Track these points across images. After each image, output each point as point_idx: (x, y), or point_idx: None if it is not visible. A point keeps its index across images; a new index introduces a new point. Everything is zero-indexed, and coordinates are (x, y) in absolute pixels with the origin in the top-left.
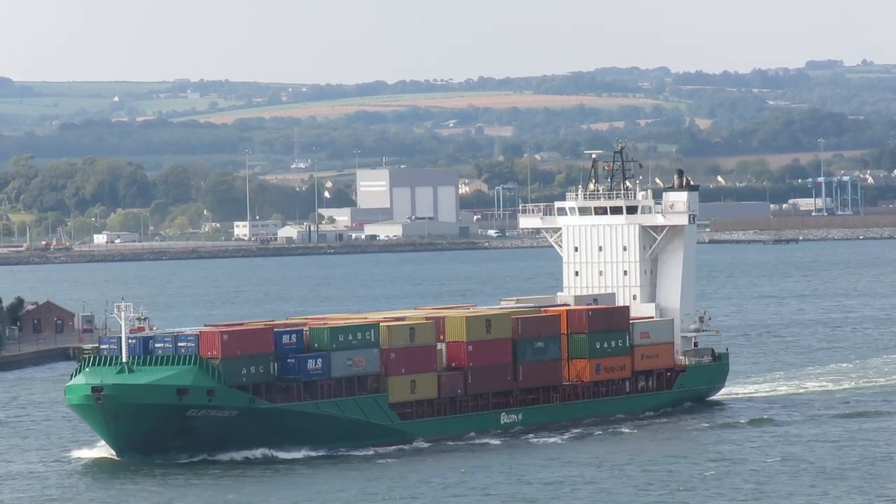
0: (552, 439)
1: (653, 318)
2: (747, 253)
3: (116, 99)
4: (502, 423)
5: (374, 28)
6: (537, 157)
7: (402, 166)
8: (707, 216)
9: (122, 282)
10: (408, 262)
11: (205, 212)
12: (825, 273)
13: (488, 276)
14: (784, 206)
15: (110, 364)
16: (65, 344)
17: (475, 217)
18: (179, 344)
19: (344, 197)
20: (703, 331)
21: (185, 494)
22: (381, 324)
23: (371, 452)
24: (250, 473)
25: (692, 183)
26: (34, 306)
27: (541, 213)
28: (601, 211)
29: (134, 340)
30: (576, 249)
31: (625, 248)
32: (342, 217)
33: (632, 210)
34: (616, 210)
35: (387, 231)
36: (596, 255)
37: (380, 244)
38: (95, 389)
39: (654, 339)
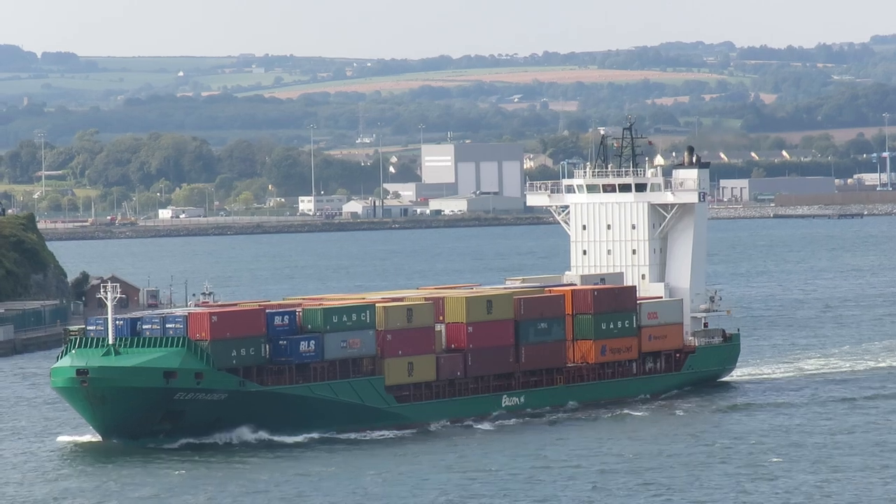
0: (554, 420)
1: (661, 298)
2: (814, 227)
3: (181, 74)
4: (504, 405)
5: (439, 3)
6: (601, 131)
7: (467, 141)
8: (771, 191)
9: (186, 257)
10: (473, 237)
11: (269, 187)
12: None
13: (552, 251)
14: (849, 180)
15: (97, 346)
16: None
17: None
18: (167, 325)
19: (409, 172)
20: (713, 311)
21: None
22: (376, 304)
23: (391, 435)
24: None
25: (703, 160)
26: (99, 281)
27: (548, 191)
28: (610, 188)
29: (121, 322)
30: (584, 228)
31: (633, 227)
32: (407, 192)
33: (641, 188)
34: (625, 188)
35: (451, 206)
36: (604, 233)
37: (444, 219)
38: (80, 372)
39: (662, 320)
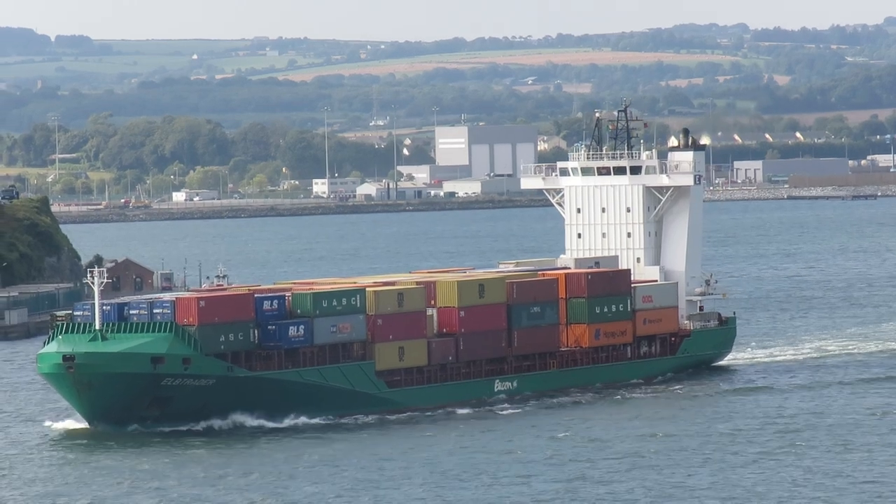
0: (545, 407)
1: (656, 281)
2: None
3: (195, 57)
4: (496, 390)
5: None
6: (597, 114)
7: (481, 123)
8: (785, 172)
9: (200, 239)
10: (488, 220)
11: (283, 169)
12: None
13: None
14: (862, 162)
15: (83, 331)
16: None
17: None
18: (155, 311)
19: (422, 154)
20: (709, 294)
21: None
22: (367, 289)
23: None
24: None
25: (700, 142)
26: (113, 264)
27: (543, 174)
28: (604, 171)
29: (108, 307)
30: (578, 211)
31: (628, 210)
32: (421, 174)
33: (636, 170)
34: (619, 170)
35: (465, 188)
36: (599, 216)
37: (458, 201)
38: (67, 358)
39: (657, 304)
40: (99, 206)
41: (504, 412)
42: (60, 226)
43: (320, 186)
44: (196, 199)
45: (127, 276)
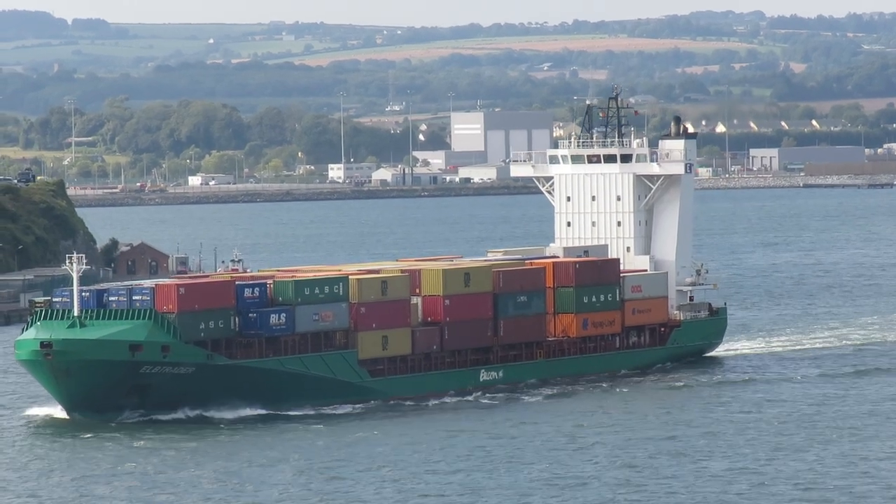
0: (530, 398)
1: (646, 270)
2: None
3: (212, 41)
4: (481, 380)
5: None
6: (632, 100)
7: (497, 109)
8: (801, 160)
9: (216, 223)
10: (503, 206)
11: (299, 154)
12: None
13: None
14: (879, 150)
15: (62, 318)
16: None
17: None
18: (134, 297)
19: (438, 140)
20: (700, 284)
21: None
22: (350, 277)
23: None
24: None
25: (690, 131)
26: (129, 248)
27: (532, 161)
28: (594, 159)
29: (87, 293)
30: (568, 199)
31: (618, 198)
32: (436, 160)
33: (626, 158)
34: (610, 158)
35: (481, 174)
36: (589, 205)
37: (474, 187)
38: (45, 345)
39: (646, 293)
40: (115, 190)
41: (530, 398)
42: (76, 209)
43: (336, 171)
44: (212, 183)
45: (142, 259)
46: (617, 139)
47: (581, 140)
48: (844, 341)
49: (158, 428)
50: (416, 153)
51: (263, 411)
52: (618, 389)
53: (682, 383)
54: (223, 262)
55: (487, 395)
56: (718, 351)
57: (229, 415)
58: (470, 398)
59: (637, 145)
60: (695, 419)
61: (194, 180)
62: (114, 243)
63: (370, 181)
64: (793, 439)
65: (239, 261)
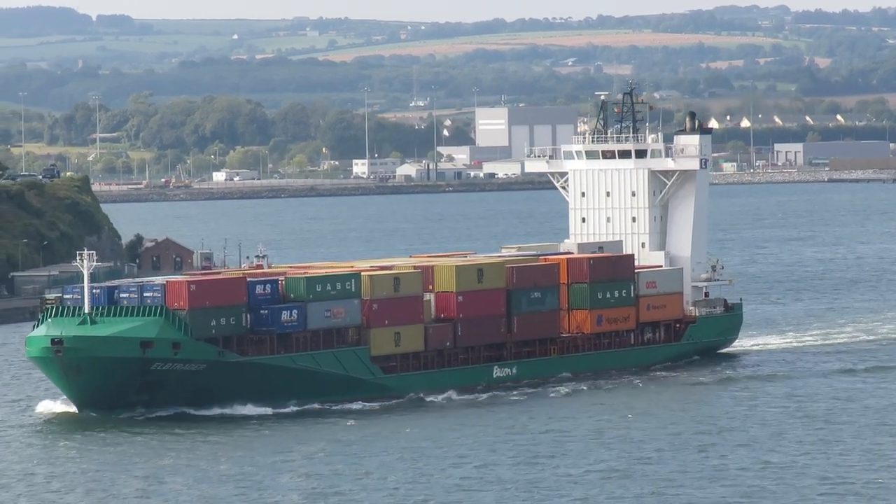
0: (550, 394)
1: (661, 266)
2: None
3: (236, 37)
4: (495, 376)
5: None
6: (656, 95)
7: (521, 105)
8: (826, 155)
9: (240, 219)
10: (527, 201)
11: (323, 150)
12: None
13: None
14: None
15: (73, 315)
16: None
17: None
18: (145, 294)
19: (462, 135)
20: (715, 280)
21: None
22: (362, 273)
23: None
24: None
25: (706, 126)
26: (153, 243)
27: (547, 157)
28: (609, 155)
29: (98, 290)
30: (583, 195)
31: (633, 194)
32: (461, 155)
33: (641, 154)
34: (624, 154)
35: (505, 169)
36: (603, 200)
37: (498, 182)
38: (55, 342)
39: (661, 289)
40: (139, 186)
41: (557, 391)
42: (101, 205)
43: (360, 167)
44: (236, 178)
45: (167, 255)
46: (632, 134)
47: (595, 135)
48: (870, 335)
49: (190, 424)
50: (440, 148)
51: (272, 410)
52: (638, 383)
53: (701, 379)
54: (247, 257)
55: (500, 391)
56: (734, 347)
57: (246, 412)
58: (483, 396)
59: (652, 140)
60: (718, 414)
61: (219, 176)
62: (138, 239)
63: (394, 176)
64: (819, 433)
65: (263, 256)
